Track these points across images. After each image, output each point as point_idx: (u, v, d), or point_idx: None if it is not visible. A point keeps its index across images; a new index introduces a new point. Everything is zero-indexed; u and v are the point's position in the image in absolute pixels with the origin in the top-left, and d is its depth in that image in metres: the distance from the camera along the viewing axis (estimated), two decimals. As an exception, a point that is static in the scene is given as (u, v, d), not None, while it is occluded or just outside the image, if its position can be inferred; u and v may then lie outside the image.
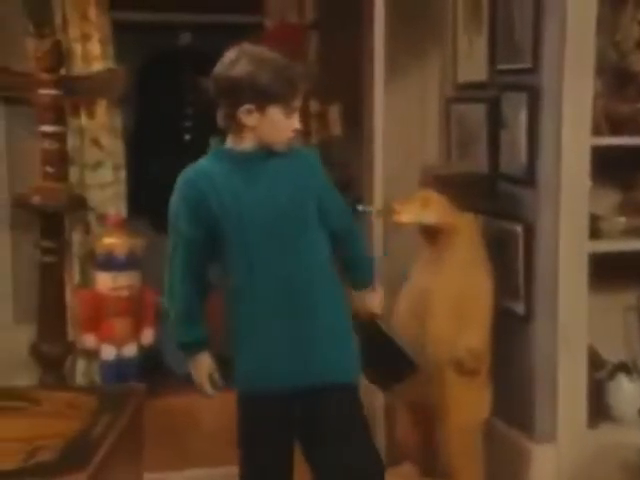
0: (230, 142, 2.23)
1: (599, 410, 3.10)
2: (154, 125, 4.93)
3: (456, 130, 3.55)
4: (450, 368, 2.98)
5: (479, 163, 3.33)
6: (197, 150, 5.21)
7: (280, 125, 2.15)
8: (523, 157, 3.06)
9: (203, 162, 2.30)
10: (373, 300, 2.58)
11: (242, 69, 2.07)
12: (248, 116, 2.12)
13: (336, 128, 4.49)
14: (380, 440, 3.60)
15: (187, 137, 5.02)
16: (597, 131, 2.94)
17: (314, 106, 4.61)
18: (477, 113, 3.34)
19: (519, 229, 3.10)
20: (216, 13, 4.59)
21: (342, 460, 2.28)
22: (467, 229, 3.08)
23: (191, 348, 2.39)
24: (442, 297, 3.04)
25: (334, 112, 4.49)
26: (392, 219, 3.41)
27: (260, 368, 2.30)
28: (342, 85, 4.44)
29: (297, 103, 2.19)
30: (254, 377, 2.33)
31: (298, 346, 2.27)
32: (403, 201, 3.19)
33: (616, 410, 3.10)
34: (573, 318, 2.98)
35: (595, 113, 2.91)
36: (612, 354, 3.15)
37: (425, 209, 3.09)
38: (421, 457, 3.21)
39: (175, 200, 2.28)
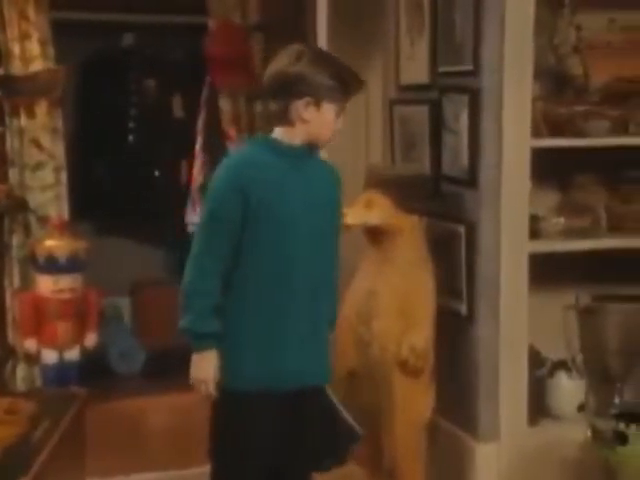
0: (278, 135, 2.24)
1: (540, 408, 3.14)
2: (97, 126, 4.88)
3: (399, 132, 3.57)
4: (395, 368, 3.00)
5: (422, 164, 3.36)
6: (141, 151, 5.20)
7: (330, 123, 2.21)
8: (465, 158, 3.09)
9: (247, 149, 2.29)
10: None
11: (305, 65, 2.14)
12: (305, 108, 2.16)
13: (281, 130, 4.48)
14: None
15: (131, 138, 4.97)
16: (537, 133, 2.99)
17: (259, 107, 4.61)
18: (420, 115, 3.37)
19: (461, 230, 3.13)
20: (159, 14, 4.56)
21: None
22: (411, 230, 3.10)
23: (208, 341, 2.28)
24: (387, 298, 3.05)
25: (279, 114, 4.48)
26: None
27: (273, 366, 2.28)
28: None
29: (344, 106, 2.24)
30: (265, 375, 2.29)
31: (308, 346, 2.31)
32: (347, 203, 3.20)
33: (556, 407, 3.16)
34: (514, 317, 3.02)
35: (534, 115, 2.96)
36: (552, 352, 3.20)
37: (369, 211, 3.10)
38: (366, 457, 3.23)
39: (219, 186, 2.21)
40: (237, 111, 4.63)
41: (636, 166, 3.20)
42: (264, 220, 2.18)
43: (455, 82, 3.14)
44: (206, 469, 2.44)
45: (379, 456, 3.15)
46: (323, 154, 2.49)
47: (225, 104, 4.44)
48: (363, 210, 3.11)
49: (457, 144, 3.14)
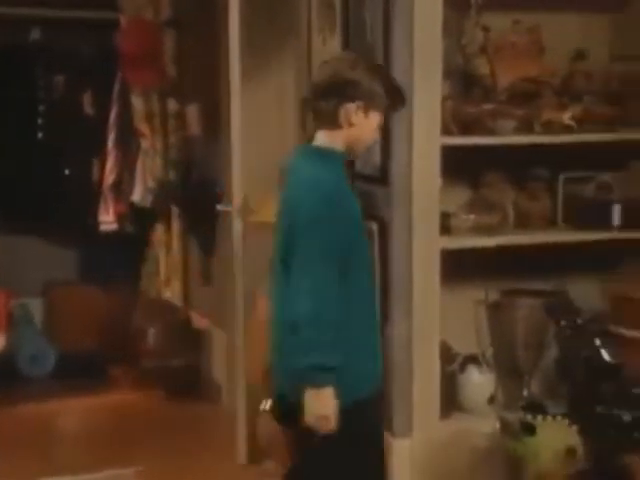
0: (321, 138, 2.27)
1: (451, 401, 3.20)
2: (4, 123, 4.76)
3: (313, 130, 3.57)
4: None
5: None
6: (50, 149, 5.08)
7: (373, 131, 2.27)
8: (377, 156, 3.12)
9: (318, 163, 2.23)
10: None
11: (362, 72, 2.22)
12: (355, 112, 2.20)
13: (195, 127, 4.45)
14: (241, 438, 3.61)
15: (40, 135, 4.86)
16: (446, 131, 3.04)
17: (172, 105, 4.57)
18: (332, 113, 3.38)
19: (374, 227, 3.16)
20: (69, 8, 4.47)
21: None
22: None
23: (332, 375, 2.17)
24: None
25: (193, 111, 4.46)
26: (251, 218, 3.42)
27: (372, 371, 2.30)
28: (200, 84, 4.41)
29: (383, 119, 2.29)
30: (370, 380, 2.29)
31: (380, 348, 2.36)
32: (261, 200, 3.20)
33: (467, 401, 3.21)
34: (426, 314, 3.06)
35: (444, 114, 3.00)
36: (463, 347, 3.25)
37: (282, 208, 3.10)
38: (284, 455, 3.23)
39: (325, 207, 2.16)
40: (150, 108, 4.59)
41: (541, 164, 3.28)
42: (356, 231, 2.23)
43: (367, 80, 3.16)
44: (117, 472, 2.41)
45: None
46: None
47: (137, 101, 4.39)
48: (276, 208, 3.11)
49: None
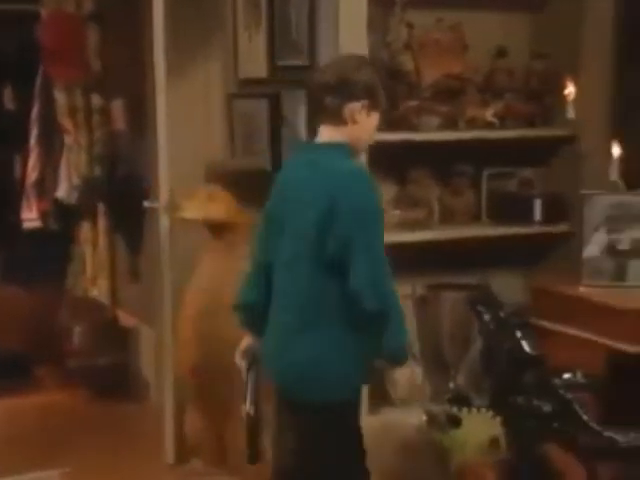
0: (324, 134, 2.29)
1: (379, 395, 3.23)
2: None
3: (240, 126, 3.57)
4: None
5: (263, 158, 3.37)
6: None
7: (373, 130, 2.32)
8: (303, 153, 3.13)
9: (343, 156, 2.26)
10: None
11: (368, 74, 2.29)
12: (360, 111, 2.25)
13: (120, 123, 4.39)
14: (169, 437, 3.59)
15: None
16: (372, 128, 3.05)
17: (96, 100, 4.50)
18: (259, 109, 3.38)
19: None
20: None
21: None
22: (252, 224, 3.11)
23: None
24: (228, 292, 3.04)
25: (118, 106, 4.40)
26: (178, 215, 3.39)
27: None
28: (125, 79, 4.35)
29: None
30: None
31: None
32: (188, 197, 3.18)
33: (394, 393, 3.25)
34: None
35: (370, 110, 3.02)
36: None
37: (209, 205, 3.09)
38: (211, 453, 3.22)
39: (374, 196, 2.21)
40: (73, 103, 4.51)
41: (465, 160, 3.33)
42: None
43: (293, 77, 3.16)
44: (42, 474, 2.37)
45: (223, 450, 3.15)
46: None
47: (60, 96, 4.31)
48: (204, 204, 3.10)
49: (296, 138, 3.17)
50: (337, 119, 2.24)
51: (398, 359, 2.26)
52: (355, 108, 2.24)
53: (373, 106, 2.27)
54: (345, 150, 2.26)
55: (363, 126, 2.27)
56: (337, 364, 2.18)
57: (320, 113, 2.27)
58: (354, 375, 2.22)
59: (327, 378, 2.19)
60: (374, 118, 2.29)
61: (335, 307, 2.17)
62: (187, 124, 3.75)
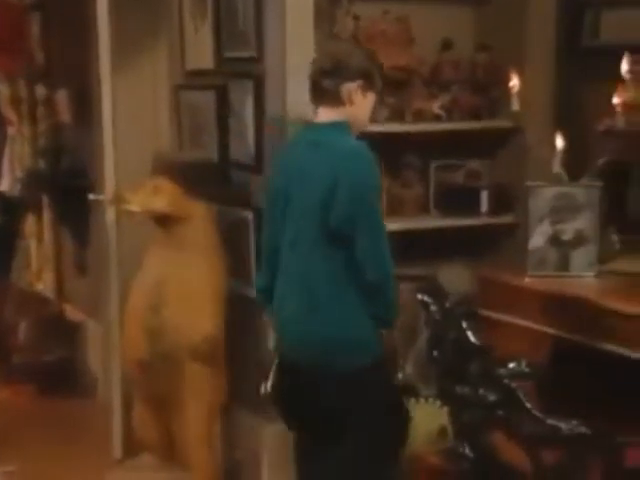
0: (322, 115, 2.37)
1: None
2: None
3: (187, 117, 3.54)
4: (186, 355, 2.99)
5: (210, 150, 3.35)
6: None
7: (369, 110, 2.41)
8: (251, 144, 3.12)
9: (346, 135, 2.35)
10: None
11: (361, 57, 2.39)
12: (356, 91, 2.34)
13: (65, 114, 4.33)
14: (117, 432, 3.56)
15: None
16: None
17: (40, 91, 4.43)
18: (206, 101, 3.36)
19: (249, 215, 3.16)
20: None
21: None
22: (199, 217, 3.09)
23: None
24: (176, 285, 3.03)
25: (62, 97, 4.33)
26: (123, 208, 3.35)
27: None
28: (70, 69, 4.29)
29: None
30: None
31: None
32: (134, 189, 3.14)
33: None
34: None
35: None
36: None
37: (156, 197, 3.06)
38: (159, 447, 3.20)
39: (377, 175, 2.31)
40: (16, 94, 4.44)
41: (413, 152, 3.35)
42: None
43: (240, 68, 3.15)
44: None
45: (171, 444, 3.13)
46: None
47: (3, 87, 4.24)
48: (150, 197, 3.07)
49: (243, 130, 3.15)
50: (335, 100, 2.34)
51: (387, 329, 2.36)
52: (351, 88, 2.33)
53: (368, 87, 2.36)
54: (345, 128, 2.34)
55: (359, 106, 2.36)
56: (360, 330, 2.26)
57: (319, 96, 2.35)
58: (374, 339, 2.29)
59: (353, 345, 2.26)
60: (370, 98, 2.38)
61: (344, 280, 2.25)
62: (133, 116, 3.71)
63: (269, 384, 2.44)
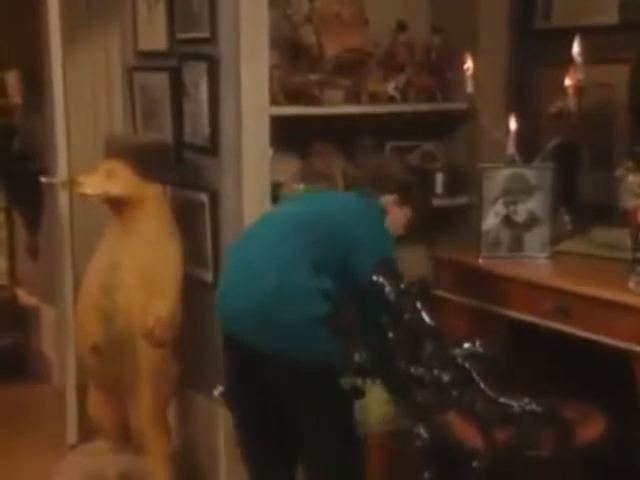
0: None
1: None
2: None
3: (140, 99, 3.50)
4: (140, 339, 2.97)
5: (164, 133, 3.31)
6: None
7: (403, 223, 2.75)
8: (205, 127, 3.09)
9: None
10: None
11: (401, 172, 2.79)
12: (392, 204, 2.72)
13: (15, 96, 4.26)
14: (71, 417, 3.53)
15: None
16: (274, 101, 3.04)
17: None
18: (160, 82, 3.32)
19: (205, 198, 3.14)
20: None
21: None
22: (154, 200, 3.07)
23: None
24: (130, 269, 3.01)
25: (12, 78, 4.26)
26: (76, 191, 3.31)
27: None
28: (20, 50, 4.22)
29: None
30: None
31: None
32: (87, 172, 3.10)
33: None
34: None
35: (272, 84, 3.00)
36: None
37: (109, 180, 3.03)
38: (114, 432, 3.19)
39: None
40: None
41: (369, 133, 3.35)
42: None
43: (193, 49, 3.11)
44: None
45: (126, 428, 3.12)
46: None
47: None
48: (103, 180, 3.03)
49: (198, 112, 3.12)
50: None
51: None
52: (388, 200, 2.65)
53: (404, 201, 2.65)
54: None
55: (395, 217, 2.67)
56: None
57: None
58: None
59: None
60: (406, 211, 2.68)
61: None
62: (86, 97, 3.67)
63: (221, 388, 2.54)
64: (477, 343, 2.28)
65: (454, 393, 2.13)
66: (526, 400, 2.08)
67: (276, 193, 3.13)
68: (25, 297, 4.58)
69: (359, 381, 2.83)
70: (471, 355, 2.20)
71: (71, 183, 3.37)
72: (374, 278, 2.35)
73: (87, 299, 3.10)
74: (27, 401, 4.03)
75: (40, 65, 3.90)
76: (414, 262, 3.25)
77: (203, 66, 3.05)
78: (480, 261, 2.92)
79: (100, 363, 3.07)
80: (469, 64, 2.94)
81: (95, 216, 3.38)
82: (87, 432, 3.38)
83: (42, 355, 4.38)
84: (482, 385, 2.10)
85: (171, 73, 3.25)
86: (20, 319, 4.45)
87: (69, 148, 3.46)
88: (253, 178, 3.04)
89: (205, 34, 3.02)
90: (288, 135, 3.13)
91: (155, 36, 3.31)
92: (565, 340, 2.60)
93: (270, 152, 3.06)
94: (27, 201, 4.39)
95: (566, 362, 2.84)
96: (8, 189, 4.54)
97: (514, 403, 2.08)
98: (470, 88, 2.97)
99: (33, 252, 4.46)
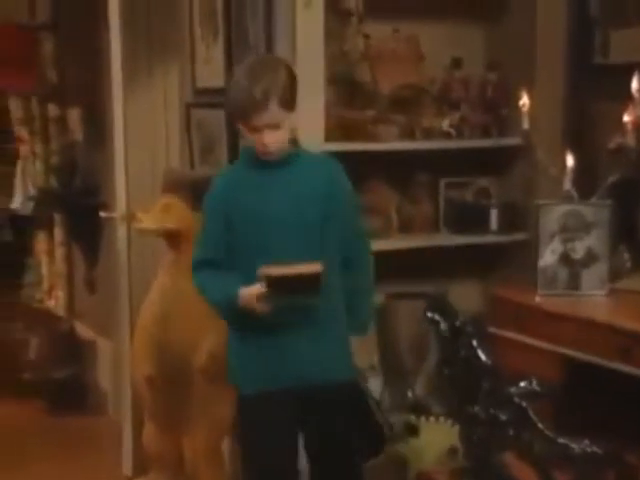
0: None
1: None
2: None
3: (197, 135, 3.55)
4: (194, 373, 2.99)
5: (220, 168, 3.35)
6: None
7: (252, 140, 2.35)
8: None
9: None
10: None
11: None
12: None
13: (77, 132, 4.36)
14: (127, 449, 3.55)
15: None
16: (330, 137, 3.06)
17: (53, 110, 4.46)
18: (217, 118, 3.37)
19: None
20: None
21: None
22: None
23: None
24: (184, 303, 3.03)
25: (74, 115, 4.37)
26: (134, 226, 3.37)
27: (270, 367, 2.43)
28: (82, 88, 4.32)
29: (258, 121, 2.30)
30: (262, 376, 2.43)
31: (305, 344, 2.42)
32: (145, 208, 3.16)
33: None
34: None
35: (327, 120, 3.03)
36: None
37: (166, 215, 3.07)
38: (168, 464, 3.19)
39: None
40: (29, 113, 4.47)
41: (423, 169, 3.35)
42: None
43: (250, 86, 3.15)
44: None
45: (181, 461, 3.12)
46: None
47: (15, 106, 4.27)
48: (160, 215, 3.08)
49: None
50: None
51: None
52: None
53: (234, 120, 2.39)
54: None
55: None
56: None
57: None
58: None
59: None
60: (243, 130, 2.36)
61: None
62: (144, 134, 3.73)
63: None
64: (534, 382, 2.25)
65: (511, 432, 2.10)
66: (586, 442, 2.03)
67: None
68: (83, 330, 4.64)
69: (413, 418, 2.81)
70: (528, 394, 2.17)
71: (129, 218, 3.43)
72: (429, 314, 2.34)
73: (142, 332, 3.14)
74: (84, 432, 4.07)
75: (101, 102, 3.99)
76: (468, 299, 3.22)
77: (260, 103, 3.09)
78: (537, 298, 2.88)
79: (155, 396, 3.09)
80: (525, 100, 2.93)
81: (152, 250, 3.43)
82: (142, 464, 3.39)
83: (98, 387, 4.43)
84: (540, 425, 2.06)
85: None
86: (78, 351, 4.51)
87: (128, 183, 3.51)
88: (308, 213, 3.05)
89: (262, 71, 3.06)
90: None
91: (213, 73, 3.37)
92: (626, 380, 2.55)
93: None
94: (86, 235, 4.47)
95: (626, 403, 2.78)
96: (68, 224, 4.63)
97: (574, 445, 2.04)
98: (526, 124, 2.95)
99: (91, 285, 4.53)
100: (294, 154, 2.40)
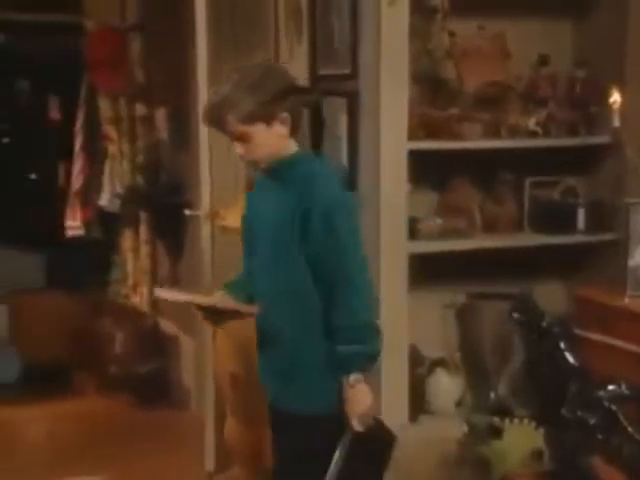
0: None
1: (419, 404, 3.21)
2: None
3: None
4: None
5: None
6: (16, 153, 5.05)
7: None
8: (344, 161, 3.12)
9: None
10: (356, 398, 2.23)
11: None
12: None
13: (163, 132, 4.44)
14: (209, 445, 3.60)
15: (5, 140, 4.82)
16: (413, 135, 3.04)
17: (140, 110, 4.55)
18: (300, 118, 3.38)
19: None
20: (32, 12, 4.43)
21: None
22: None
23: None
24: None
25: (161, 115, 4.45)
26: (218, 223, 3.41)
27: None
28: (168, 88, 4.40)
29: (230, 130, 2.23)
30: None
31: (280, 370, 2.44)
32: (229, 205, 3.19)
33: (435, 404, 3.22)
34: (394, 317, 3.06)
35: (411, 118, 3.01)
36: (431, 350, 3.26)
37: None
38: (250, 460, 3.22)
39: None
40: (117, 112, 4.57)
41: (508, 168, 3.31)
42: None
43: (334, 85, 3.16)
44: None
45: (261, 456, 3.15)
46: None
47: (104, 105, 4.37)
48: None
49: (337, 146, 3.16)
50: None
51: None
52: None
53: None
54: None
55: None
56: None
57: None
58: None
59: None
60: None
61: None
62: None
63: None
64: (623, 385, 2.19)
65: (599, 436, 2.05)
66: (679, 446, 1.97)
67: (413, 228, 3.12)
68: (167, 326, 4.72)
69: (496, 420, 2.77)
70: (617, 397, 2.11)
71: (213, 215, 3.47)
72: (515, 315, 2.31)
73: (224, 330, 3.17)
74: (167, 427, 4.14)
75: (186, 102, 4.06)
76: (554, 300, 3.16)
77: (343, 102, 3.09)
78: (626, 300, 2.81)
79: (237, 393, 3.13)
80: (616, 97, 2.86)
81: (235, 248, 3.46)
82: (225, 459, 3.43)
83: (182, 382, 4.49)
84: (630, 429, 2.00)
85: (312, 108, 3.30)
86: (162, 347, 4.59)
87: (212, 181, 3.56)
88: (390, 213, 3.04)
89: (346, 70, 3.07)
90: (426, 169, 3.13)
91: (297, 72, 3.37)
92: None
93: (408, 187, 3.06)
94: (170, 233, 4.55)
95: None
96: (153, 221, 4.72)
97: (666, 449, 1.98)
98: (616, 122, 2.88)
99: (174, 282, 4.61)
100: (287, 165, 2.26)
